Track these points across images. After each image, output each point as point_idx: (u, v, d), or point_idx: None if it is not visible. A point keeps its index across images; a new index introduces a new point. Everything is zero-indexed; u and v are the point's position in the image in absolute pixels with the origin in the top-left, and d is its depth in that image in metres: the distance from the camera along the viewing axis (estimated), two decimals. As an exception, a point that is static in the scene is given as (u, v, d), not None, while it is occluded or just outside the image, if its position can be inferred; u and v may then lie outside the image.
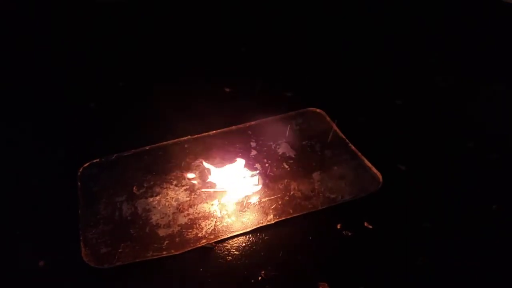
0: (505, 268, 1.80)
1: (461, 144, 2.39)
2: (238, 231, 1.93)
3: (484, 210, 2.03)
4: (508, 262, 1.83)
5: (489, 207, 2.03)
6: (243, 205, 2.04)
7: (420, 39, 3.34)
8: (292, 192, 2.11)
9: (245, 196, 2.07)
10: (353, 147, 2.33)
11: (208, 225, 1.96)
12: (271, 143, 2.40)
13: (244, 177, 2.11)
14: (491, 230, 1.95)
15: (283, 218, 1.97)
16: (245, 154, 2.31)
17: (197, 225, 1.96)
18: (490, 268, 1.80)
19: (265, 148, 2.36)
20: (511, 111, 2.63)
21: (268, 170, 2.22)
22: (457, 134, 2.47)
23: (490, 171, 2.23)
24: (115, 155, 2.30)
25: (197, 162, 2.23)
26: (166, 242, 1.88)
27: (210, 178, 2.12)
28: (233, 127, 2.49)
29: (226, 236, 1.91)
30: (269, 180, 2.17)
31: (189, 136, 2.41)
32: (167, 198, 2.09)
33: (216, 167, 2.15)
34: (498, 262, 1.83)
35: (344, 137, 2.40)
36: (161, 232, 1.93)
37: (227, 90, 2.83)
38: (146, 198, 2.09)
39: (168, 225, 1.96)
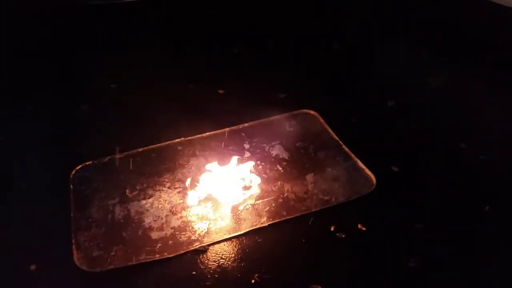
0: (499, 269, 1.81)
1: (453, 145, 2.40)
2: (231, 233, 1.92)
3: (477, 211, 2.03)
4: (501, 263, 1.83)
5: (482, 208, 2.04)
6: (236, 208, 2.04)
7: (411, 40, 3.35)
8: (285, 194, 2.10)
9: (239, 199, 2.06)
10: (346, 149, 2.33)
11: (201, 227, 1.95)
12: (265, 145, 2.39)
13: (237, 179, 2.10)
14: (484, 231, 1.96)
15: (276, 221, 1.97)
16: (238, 156, 2.30)
17: (190, 227, 1.95)
18: (483, 269, 1.81)
19: (258, 150, 2.36)
20: (505, 113, 2.64)
21: (262, 172, 2.22)
22: (449, 135, 2.48)
23: (482, 172, 2.24)
24: (107, 157, 2.29)
25: (191, 163, 2.23)
26: (159, 245, 1.87)
27: (204, 180, 2.11)
28: (227, 129, 2.49)
29: (220, 239, 1.90)
30: (263, 182, 2.16)
31: (182, 138, 2.40)
32: (160, 201, 2.08)
33: (210, 169, 2.14)
34: (491, 263, 1.83)
35: (337, 138, 2.40)
36: (154, 235, 1.91)
37: (220, 91, 2.82)
38: (139, 200, 2.08)
39: (161, 228, 1.95)
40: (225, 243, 1.90)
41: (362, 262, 1.83)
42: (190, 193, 2.09)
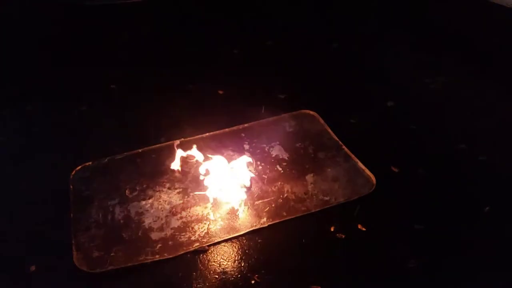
0: (499, 269, 1.81)
1: (453, 145, 2.40)
2: (231, 234, 1.92)
3: (477, 211, 2.03)
4: (500, 264, 1.83)
5: (482, 209, 2.04)
6: (236, 208, 2.04)
7: (411, 40, 3.35)
8: (285, 195, 2.10)
9: (239, 199, 2.06)
10: (346, 149, 2.33)
11: (201, 228, 1.95)
12: (265, 145, 2.39)
13: (237, 180, 2.10)
14: (484, 231, 1.96)
15: (276, 221, 1.97)
16: (238, 157, 2.29)
17: (190, 228, 1.95)
18: (483, 270, 1.81)
19: (258, 151, 2.36)
20: (504, 113, 2.64)
21: (262, 172, 2.22)
22: (449, 135, 2.47)
23: (482, 172, 2.24)
24: (107, 158, 2.29)
25: (191, 164, 2.23)
26: (159, 245, 1.87)
27: (204, 181, 2.11)
28: (227, 129, 2.49)
29: (219, 239, 1.90)
30: (263, 182, 2.16)
31: (182, 139, 2.40)
32: (160, 201, 2.07)
33: (210, 169, 2.13)
34: (491, 264, 1.83)
35: (337, 139, 2.40)
36: (154, 236, 1.91)
37: (221, 92, 2.82)
38: (139, 201, 2.08)
39: (161, 229, 1.95)
40: (225, 243, 1.90)
41: (362, 263, 1.83)
42: (190, 193, 2.10)
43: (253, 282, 1.74)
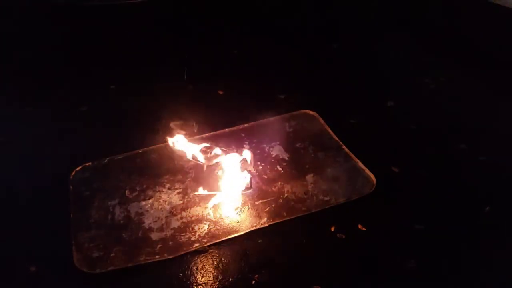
0: (499, 270, 1.81)
1: (453, 145, 2.40)
2: (231, 234, 1.92)
3: (477, 212, 2.03)
4: (502, 263, 1.83)
5: (482, 209, 2.04)
6: (236, 208, 2.04)
7: (411, 40, 3.35)
8: (285, 195, 2.10)
9: (239, 199, 2.06)
10: (346, 149, 2.33)
11: (201, 228, 1.95)
12: (265, 145, 2.39)
13: (237, 180, 2.10)
14: (484, 231, 1.96)
15: (276, 221, 1.96)
16: (239, 156, 2.29)
17: (190, 228, 1.95)
18: (483, 270, 1.81)
19: (258, 151, 2.36)
20: (505, 113, 2.64)
21: (262, 172, 2.22)
22: (449, 135, 2.47)
23: (482, 172, 2.24)
24: (107, 158, 2.29)
25: (191, 164, 2.22)
26: (159, 246, 1.87)
27: (204, 181, 2.11)
28: (226, 129, 2.49)
29: (220, 240, 1.89)
30: (263, 182, 2.16)
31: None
32: (160, 202, 2.07)
33: (209, 169, 2.13)
34: (491, 264, 1.83)
35: (337, 139, 2.40)
36: (154, 236, 1.91)
37: (220, 92, 2.82)
38: (139, 201, 2.07)
39: (161, 229, 1.95)
40: (225, 244, 1.90)
41: (362, 263, 1.83)
42: (190, 194, 2.09)
43: (253, 282, 1.74)
